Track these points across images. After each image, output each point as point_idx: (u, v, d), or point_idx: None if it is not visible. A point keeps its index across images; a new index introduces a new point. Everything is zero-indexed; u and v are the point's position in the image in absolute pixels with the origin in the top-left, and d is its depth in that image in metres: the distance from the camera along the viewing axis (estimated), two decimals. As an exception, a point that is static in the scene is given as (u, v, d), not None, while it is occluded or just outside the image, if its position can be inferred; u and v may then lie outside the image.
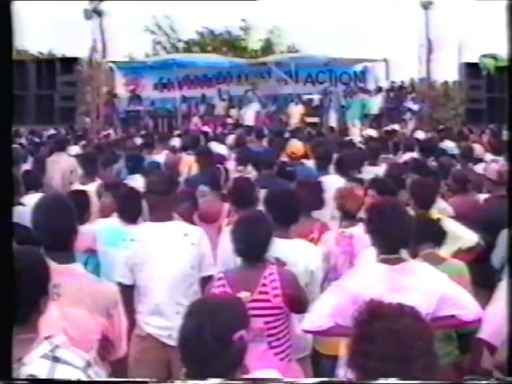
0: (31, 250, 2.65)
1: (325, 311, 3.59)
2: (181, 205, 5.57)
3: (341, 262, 4.86)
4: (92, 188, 6.84)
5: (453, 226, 5.07)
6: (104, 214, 5.92)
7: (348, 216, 5.20)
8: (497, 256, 5.02)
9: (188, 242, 4.49)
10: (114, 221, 5.51)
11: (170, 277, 4.45)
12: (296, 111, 22.04)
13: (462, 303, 3.59)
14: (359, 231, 4.71)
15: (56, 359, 2.41)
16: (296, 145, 9.20)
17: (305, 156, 9.05)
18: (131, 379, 4.00)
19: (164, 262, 4.45)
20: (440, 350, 3.35)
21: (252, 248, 3.99)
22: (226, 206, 6.38)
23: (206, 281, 4.44)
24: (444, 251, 4.57)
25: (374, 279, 3.59)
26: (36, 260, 2.59)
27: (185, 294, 4.43)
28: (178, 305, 4.30)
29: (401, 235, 3.67)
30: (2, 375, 2.34)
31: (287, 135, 14.43)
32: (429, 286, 3.56)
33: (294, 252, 4.43)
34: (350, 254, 4.87)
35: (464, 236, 5.16)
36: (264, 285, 3.93)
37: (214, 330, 2.40)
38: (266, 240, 4.02)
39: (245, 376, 2.51)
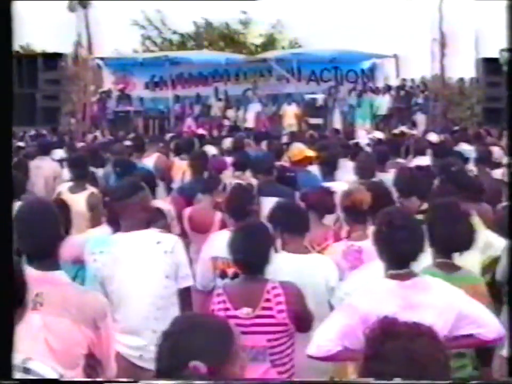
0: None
1: (333, 333, 3.51)
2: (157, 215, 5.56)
3: (349, 277, 4.84)
4: (81, 197, 6.81)
5: (484, 233, 5.04)
6: (97, 224, 5.93)
7: (354, 219, 5.19)
8: (501, 270, 4.97)
9: (161, 251, 4.46)
10: (104, 230, 5.49)
11: (143, 290, 4.42)
12: (290, 112, 22.06)
13: (482, 320, 3.54)
14: (368, 245, 4.68)
15: (27, 371, 2.42)
16: (297, 149, 9.16)
17: (308, 161, 9.04)
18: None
19: (135, 273, 4.42)
20: (454, 364, 3.37)
21: (253, 259, 3.99)
22: (219, 215, 6.38)
23: (183, 294, 4.44)
24: (473, 259, 4.55)
25: (384, 296, 3.55)
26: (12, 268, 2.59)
27: (160, 308, 4.41)
28: (154, 321, 4.30)
29: (412, 247, 3.63)
30: (2, 375, 2.40)
31: (287, 138, 14.43)
32: (444, 303, 3.52)
33: (312, 268, 4.45)
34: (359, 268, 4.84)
35: (495, 243, 5.10)
36: (267, 300, 3.93)
37: (190, 355, 2.30)
38: (267, 251, 4.02)
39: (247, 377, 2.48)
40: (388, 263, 3.68)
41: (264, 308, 3.91)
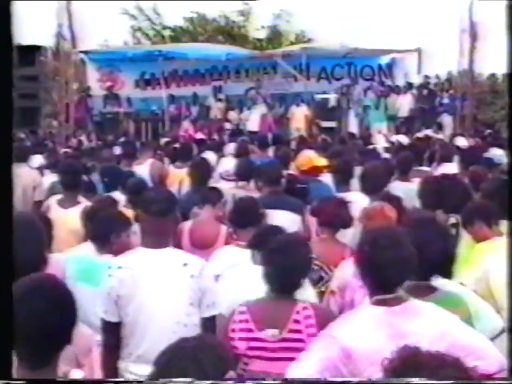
0: None
1: (311, 368, 3.47)
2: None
3: (359, 298, 4.82)
4: (75, 211, 6.73)
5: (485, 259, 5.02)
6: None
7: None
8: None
9: (187, 274, 4.45)
10: (88, 249, 5.47)
11: (164, 315, 4.40)
12: (298, 114, 22.08)
13: (481, 352, 3.50)
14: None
15: None
16: (305, 157, 9.15)
17: (318, 170, 9.04)
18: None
19: (156, 296, 4.41)
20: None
21: (289, 275, 4.02)
22: (224, 229, 6.41)
23: (207, 323, 4.42)
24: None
25: (369, 325, 3.52)
26: None
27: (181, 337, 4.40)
28: None
29: (399, 269, 3.59)
30: (2, 375, 2.51)
31: (295, 143, 14.45)
32: (437, 331, 3.49)
33: None
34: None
35: (493, 277, 5.02)
36: (296, 321, 3.94)
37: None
38: (305, 269, 4.09)
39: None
40: (373, 288, 3.65)
41: (292, 331, 3.92)
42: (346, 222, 5.77)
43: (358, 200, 6.75)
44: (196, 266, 4.51)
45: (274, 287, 4.06)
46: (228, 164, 9.10)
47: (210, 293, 4.53)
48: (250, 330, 3.96)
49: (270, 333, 3.83)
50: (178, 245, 6.39)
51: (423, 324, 3.52)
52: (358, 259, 3.75)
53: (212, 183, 8.22)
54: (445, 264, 4.09)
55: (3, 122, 2.56)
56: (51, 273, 3.73)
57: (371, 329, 3.49)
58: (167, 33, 34.33)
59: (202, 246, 6.35)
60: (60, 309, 2.93)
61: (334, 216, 5.69)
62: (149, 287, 4.42)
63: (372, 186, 7.18)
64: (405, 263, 3.60)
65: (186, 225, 6.67)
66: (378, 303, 3.59)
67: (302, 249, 4.16)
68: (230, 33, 33.63)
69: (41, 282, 3.03)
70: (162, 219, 4.50)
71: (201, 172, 8.13)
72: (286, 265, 4.01)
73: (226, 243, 6.17)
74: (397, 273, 3.59)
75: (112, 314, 4.44)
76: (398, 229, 4.15)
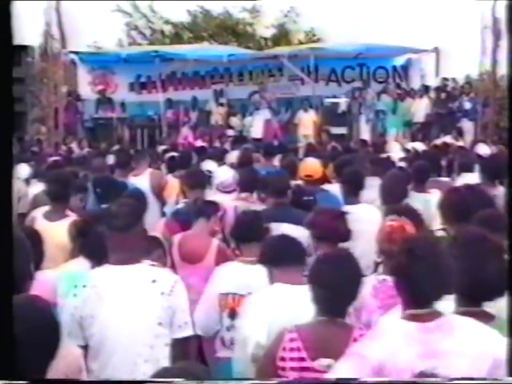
0: None
1: None
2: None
3: (376, 320, 4.78)
4: (62, 225, 6.71)
5: None
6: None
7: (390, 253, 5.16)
8: None
9: (157, 291, 4.48)
10: (81, 263, 5.47)
11: (130, 337, 4.41)
12: (306, 119, 22.09)
13: None
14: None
15: None
16: (313, 165, 9.15)
17: (327, 179, 9.04)
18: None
19: (122, 315, 4.41)
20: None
21: (341, 295, 4.00)
22: (216, 243, 6.49)
23: (180, 345, 4.43)
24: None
25: (400, 342, 3.51)
26: None
27: (148, 360, 4.40)
28: (140, 375, 4.29)
29: (436, 282, 3.58)
30: (2, 375, 2.60)
31: (303, 151, 14.45)
32: (476, 348, 3.48)
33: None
34: (390, 310, 4.78)
35: None
36: None
37: None
38: (356, 289, 4.06)
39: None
40: (406, 301, 3.65)
41: None
42: (343, 236, 5.72)
43: (367, 214, 6.76)
44: (167, 283, 4.53)
45: (327, 309, 4.03)
46: (225, 173, 9.07)
47: (182, 312, 4.57)
48: (302, 359, 3.92)
49: (325, 362, 3.79)
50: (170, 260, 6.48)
51: (461, 341, 3.50)
52: (392, 270, 3.76)
53: (210, 194, 8.22)
54: (501, 288, 3.92)
55: (3, 123, 2.58)
56: (35, 293, 3.73)
57: (402, 347, 3.48)
58: (167, 29, 34.30)
59: (192, 260, 6.41)
60: (40, 333, 2.99)
61: (330, 230, 5.62)
62: (114, 306, 4.42)
63: (392, 198, 7.18)
64: (443, 276, 3.59)
65: (177, 238, 6.70)
66: (411, 318, 3.58)
67: (355, 265, 4.15)
68: (233, 31, 33.64)
69: (22, 306, 3.07)
70: (126, 234, 4.52)
71: (196, 182, 8.13)
72: (340, 285, 3.99)
73: (219, 258, 6.24)
74: (434, 287, 3.57)
75: (75, 337, 4.42)
76: (436, 238, 4.16)
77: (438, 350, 3.44)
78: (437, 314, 3.59)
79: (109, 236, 4.64)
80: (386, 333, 3.63)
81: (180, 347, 4.47)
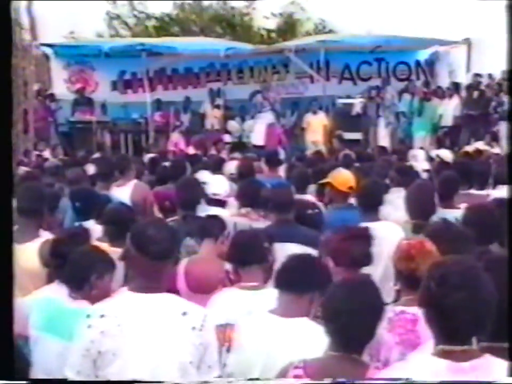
0: None
1: None
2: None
3: (395, 357, 4.83)
4: (33, 247, 6.69)
5: None
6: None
7: (412, 283, 5.18)
8: None
9: (188, 326, 4.39)
10: (57, 291, 5.50)
11: (157, 377, 4.31)
12: (315, 123, 22.15)
13: None
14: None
15: None
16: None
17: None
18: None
19: (150, 353, 4.34)
20: None
21: (359, 328, 4.03)
22: (227, 268, 6.39)
23: None
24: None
25: (429, 381, 3.52)
26: None
27: None
28: None
29: (474, 315, 3.53)
30: (2, 375, 2.77)
31: (311, 159, 14.50)
32: None
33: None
34: (411, 346, 4.78)
35: None
36: None
37: None
38: (378, 319, 4.11)
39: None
40: (438, 336, 3.62)
41: None
42: (364, 260, 5.71)
43: (388, 233, 6.79)
44: (198, 316, 4.44)
45: (342, 344, 4.05)
46: (218, 184, 9.03)
47: (212, 350, 4.49)
48: None
49: None
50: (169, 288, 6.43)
51: None
52: (422, 298, 3.68)
53: (200, 208, 8.16)
54: None
55: (2, 122, 2.70)
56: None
57: None
58: (152, 22, 34.38)
59: (203, 290, 6.23)
60: None
61: (347, 252, 5.60)
62: (139, 341, 4.33)
63: (420, 213, 7.25)
64: (482, 307, 3.53)
65: (182, 265, 6.52)
66: (443, 355, 3.56)
67: (376, 294, 4.17)
68: (230, 22, 33.70)
69: None
70: (162, 262, 4.43)
71: (189, 195, 8.09)
72: (359, 316, 4.01)
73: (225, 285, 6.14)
74: (471, 320, 3.52)
75: (86, 376, 4.33)
76: (474, 263, 3.96)
77: None
78: (475, 354, 3.56)
79: (139, 262, 4.48)
80: (414, 371, 3.62)
81: None
